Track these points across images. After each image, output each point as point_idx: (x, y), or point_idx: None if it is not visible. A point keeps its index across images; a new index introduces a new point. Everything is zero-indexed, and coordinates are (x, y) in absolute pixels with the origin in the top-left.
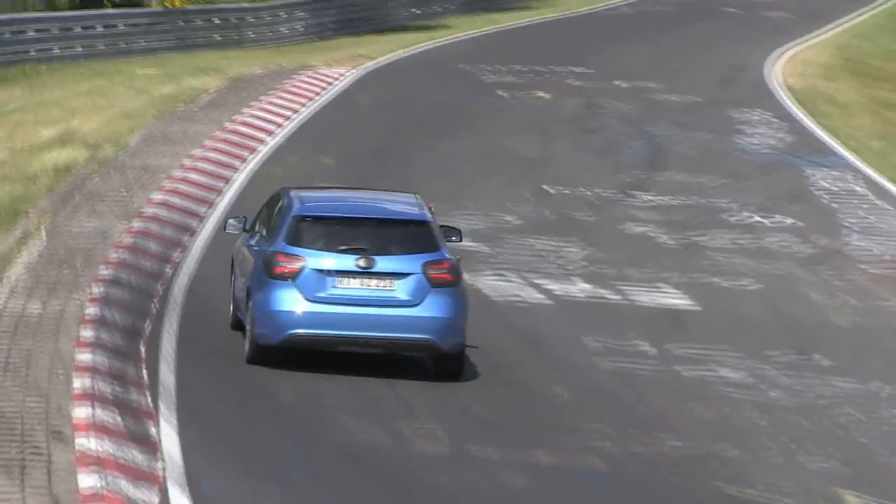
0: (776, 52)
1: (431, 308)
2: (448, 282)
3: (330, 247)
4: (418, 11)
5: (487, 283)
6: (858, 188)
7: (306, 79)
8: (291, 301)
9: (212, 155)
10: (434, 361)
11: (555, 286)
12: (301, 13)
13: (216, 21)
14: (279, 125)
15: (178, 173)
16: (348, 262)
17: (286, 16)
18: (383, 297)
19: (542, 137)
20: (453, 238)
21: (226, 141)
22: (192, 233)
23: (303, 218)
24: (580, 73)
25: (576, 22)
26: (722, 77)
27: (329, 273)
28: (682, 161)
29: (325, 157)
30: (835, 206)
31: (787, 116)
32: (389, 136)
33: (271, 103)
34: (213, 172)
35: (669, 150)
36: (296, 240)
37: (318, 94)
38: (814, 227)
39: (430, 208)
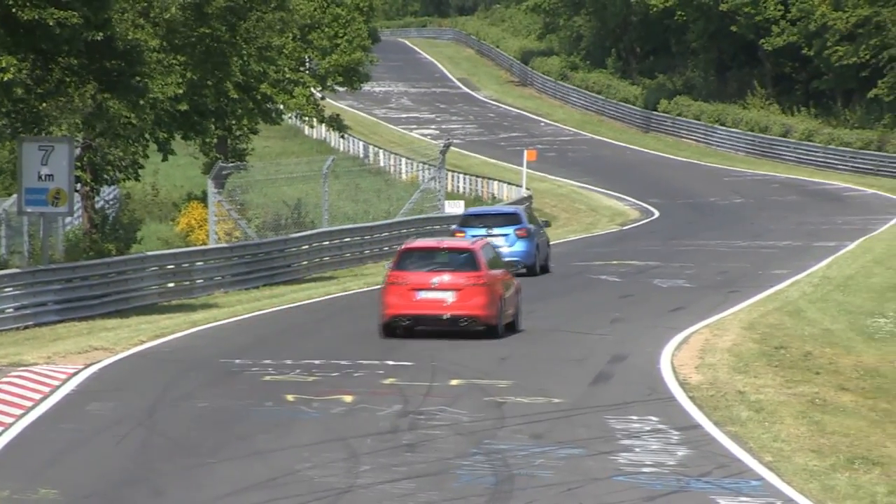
0: (669, 336)
1: (522, 247)
2: (527, 236)
3: (475, 226)
4: (173, 285)
5: None
6: None
7: (18, 380)
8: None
9: None
10: (525, 269)
11: None
12: (10, 290)
13: None
14: None
15: None
16: (482, 231)
17: None
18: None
19: (346, 458)
20: (544, 223)
21: None
22: None
23: (465, 217)
24: (397, 367)
25: None
26: (596, 372)
27: (476, 236)
28: (540, 489)
29: (47, 489)
30: None
31: (684, 424)
32: (136, 459)
33: None
34: None
35: (521, 474)
36: (463, 224)
37: (34, 401)
38: None
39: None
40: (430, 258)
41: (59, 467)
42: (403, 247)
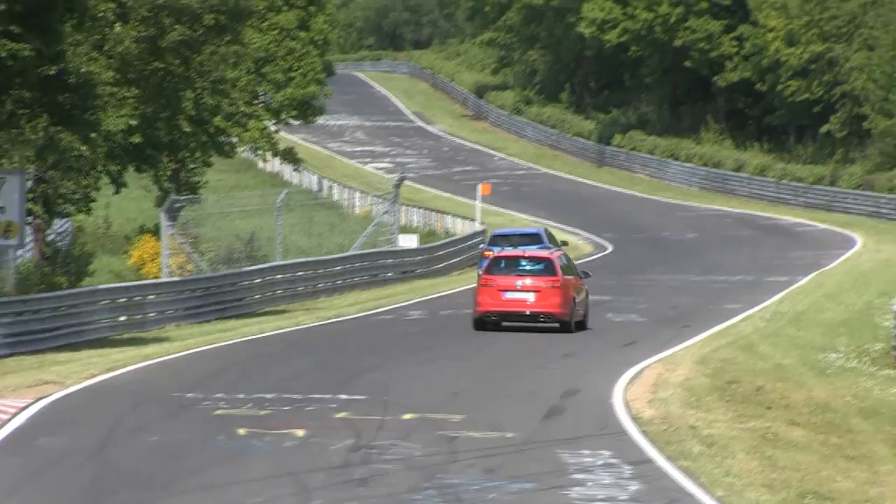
0: (622, 370)
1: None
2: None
3: (503, 245)
4: (125, 319)
5: None
6: None
7: None
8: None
9: None
10: None
11: None
12: None
13: None
14: None
15: None
16: (509, 250)
17: None
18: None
19: (297, 492)
20: (563, 243)
21: None
22: None
23: (493, 237)
24: (350, 401)
25: (345, 330)
26: (548, 406)
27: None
28: None
29: None
30: None
31: (637, 458)
32: (87, 493)
33: None
34: None
35: None
36: (491, 243)
37: None
38: None
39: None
40: (515, 265)
41: (10, 502)
42: (494, 255)
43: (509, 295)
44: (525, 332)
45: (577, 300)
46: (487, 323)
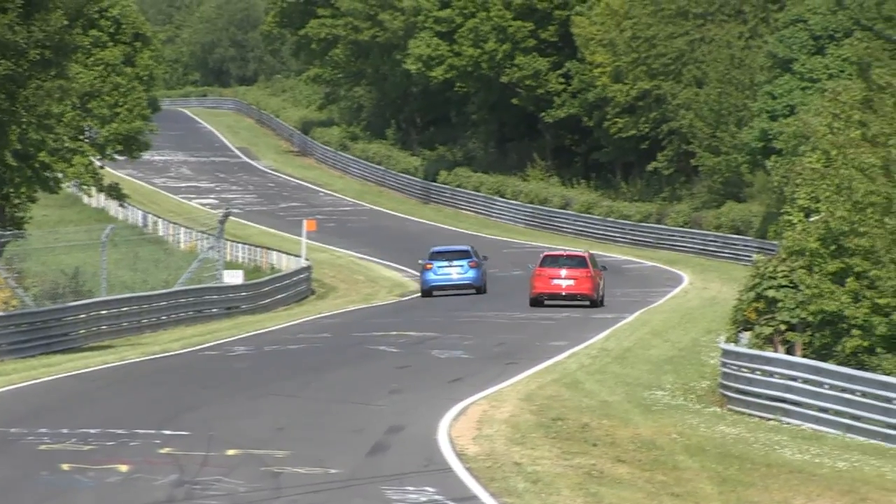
0: (447, 407)
1: (472, 274)
2: (476, 266)
3: (439, 259)
4: None
5: None
6: None
7: None
8: (429, 276)
9: None
10: (475, 290)
11: None
12: None
13: None
14: None
15: None
16: (445, 262)
17: None
18: (456, 272)
19: None
20: (484, 258)
21: None
22: None
23: (432, 253)
24: (174, 437)
25: (169, 366)
26: (373, 442)
27: (440, 266)
28: None
29: None
30: None
31: (461, 495)
32: None
33: None
34: None
35: None
36: (430, 258)
37: None
38: None
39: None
40: (559, 260)
41: None
42: (544, 254)
43: (556, 282)
44: (349, 369)
45: (600, 286)
46: (540, 301)
